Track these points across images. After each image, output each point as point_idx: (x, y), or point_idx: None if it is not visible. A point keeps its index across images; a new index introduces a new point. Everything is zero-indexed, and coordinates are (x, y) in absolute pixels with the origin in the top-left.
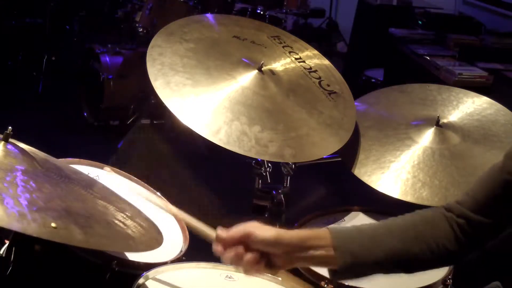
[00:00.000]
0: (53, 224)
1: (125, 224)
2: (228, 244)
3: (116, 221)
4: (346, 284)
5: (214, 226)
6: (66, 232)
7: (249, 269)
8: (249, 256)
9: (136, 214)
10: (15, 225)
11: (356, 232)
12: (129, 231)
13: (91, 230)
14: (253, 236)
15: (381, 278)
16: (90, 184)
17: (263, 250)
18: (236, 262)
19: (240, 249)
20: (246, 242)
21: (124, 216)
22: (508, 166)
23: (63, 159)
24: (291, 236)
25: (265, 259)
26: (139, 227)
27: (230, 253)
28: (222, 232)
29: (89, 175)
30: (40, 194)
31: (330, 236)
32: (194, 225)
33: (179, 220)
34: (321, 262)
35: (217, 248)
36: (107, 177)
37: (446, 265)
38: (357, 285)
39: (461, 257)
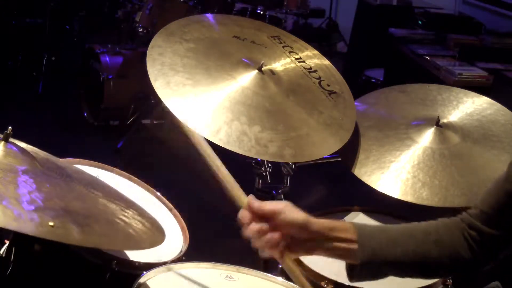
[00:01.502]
0: (50, 223)
1: (126, 222)
2: (256, 214)
3: (117, 220)
4: (347, 284)
5: (214, 226)
6: (64, 231)
7: (266, 248)
8: (271, 235)
9: (138, 212)
10: (12, 225)
11: (379, 231)
12: (130, 229)
13: (89, 228)
14: (283, 215)
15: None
16: (91, 183)
17: (288, 231)
18: (257, 237)
19: (266, 226)
20: (274, 219)
21: (125, 214)
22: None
23: (63, 159)
24: (320, 223)
25: (286, 243)
26: (140, 225)
27: (254, 226)
28: (254, 200)
29: (88, 173)
30: (38, 193)
31: (355, 231)
32: (231, 184)
33: (179, 221)
34: (341, 255)
35: (243, 215)
36: (107, 176)
37: (463, 274)
38: (357, 285)
39: (476, 267)
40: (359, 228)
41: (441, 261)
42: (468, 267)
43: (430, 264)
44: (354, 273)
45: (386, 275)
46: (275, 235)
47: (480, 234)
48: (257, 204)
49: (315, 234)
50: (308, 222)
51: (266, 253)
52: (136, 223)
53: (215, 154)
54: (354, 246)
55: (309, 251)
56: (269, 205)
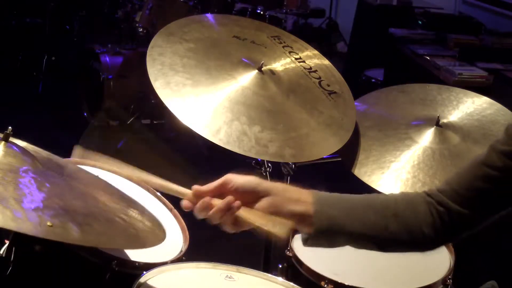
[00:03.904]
0: (48, 223)
1: (126, 221)
2: (208, 195)
3: (117, 218)
4: (347, 284)
5: (214, 226)
6: (62, 230)
7: (222, 217)
8: (216, 206)
9: (139, 210)
10: (11, 225)
11: (337, 199)
12: (130, 228)
13: (89, 228)
14: (232, 183)
15: (381, 278)
16: (93, 182)
17: (241, 198)
18: (204, 213)
19: (207, 199)
20: (225, 190)
21: (126, 213)
22: (490, 159)
23: (63, 159)
24: (271, 183)
25: (239, 206)
26: (141, 224)
27: (198, 205)
28: (198, 186)
29: (89, 172)
30: (38, 193)
31: (312, 196)
32: (168, 186)
33: (179, 221)
34: (297, 219)
35: (184, 204)
36: (107, 177)
37: (420, 250)
38: (357, 285)
39: (435, 244)
40: (317, 194)
41: (400, 235)
42: (427, 244)
43: (388, 237)
44: (309, 238)
45: (342, 245)
46: (222, 202)
47: (448, 211)
48: (203, 187)
49: (266, 193)
50: (259, 182)
51: (227, 225)
52: (136, 222)
53: (138, 170)
54: (310, 210)
55: (265, 213)
56: (216, 182)
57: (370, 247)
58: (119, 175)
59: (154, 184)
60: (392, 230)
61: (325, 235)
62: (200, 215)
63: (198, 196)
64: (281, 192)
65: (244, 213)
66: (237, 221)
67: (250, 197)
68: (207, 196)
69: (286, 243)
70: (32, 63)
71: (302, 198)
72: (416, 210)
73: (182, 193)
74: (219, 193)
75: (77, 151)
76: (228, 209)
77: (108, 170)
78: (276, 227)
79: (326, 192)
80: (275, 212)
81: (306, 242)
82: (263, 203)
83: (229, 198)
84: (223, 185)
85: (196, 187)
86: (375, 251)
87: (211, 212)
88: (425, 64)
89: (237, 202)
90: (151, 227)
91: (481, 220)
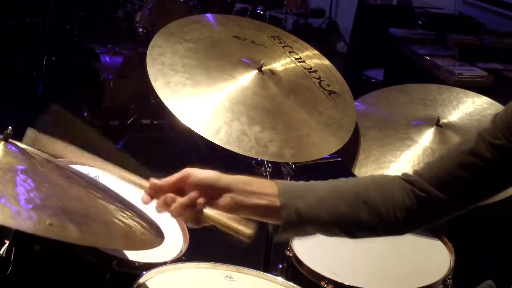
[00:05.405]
0: (48, 221)
1: (124, 223)
2: (162, 191)
3: (115, 220)
4: (347, 284)
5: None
6: (61, 230)
7: (183, 214)
8: (179, 201)
9: (137, 213)
10: (10, 222)
11: (304, 190)
12: (128, 230)
13: (87, 228)
14: (192, 177)
15: (381, 278)
16: (91, 184)
17: (202, 192)
18: (166, 209)
19: (171, 195)
20: (183, 186)
21: (124, 215)
22: (478, 149)
23: (63, 158)
24: (232, 177)
25: (202, 204)
26: (139, 226)
27: (160, 200)
28: (155, 180)
29: (88, 175)
30: (37, 192)
31: (277, 189)
32: (126, 176)
33: (179, 221)
34: (264, 213)
35: (143, 198)
36: (107, 176)
37: (391, 234)
38: (357, 285)
39: (409, 228)
40: (282, 187)
41: (371, 222)
42: (400, 228)
43: (358, 225)
44: (277, 232)
45: (311, 234)
46: (183, 199)
47: (429, 196)
48: (161, 181)
49: (228, 188)
50: (220, 176)
51: (188, 221)
52: (134, 224)
53: (99, 158)
54: (276, 202)
55: (229, 209)
56: (175, 175)
57: (339, 234)
58: (73, 162)
59: (111, 172)
60: (363, 218)
61: (294, 227)
62: (160, 210)
63: (156, 190)
64: (243, 186)
65: (208, 211)
66: (199, 217)
67: (211, 192)
68: (169, 192)
69: (286, 243)
70: (32, 63)
71: (266, 190)
72: (390, 194)
73: (141, 184)
74: (178, 187)
75: (29, 133)
76: (192, 206)
77: (61, 156)
78: (240, 226)
79: (292, 181)
80: (239, 207)
81: (276, 234)
82: (225, 199)
83: (193, 194)
84: (182, 179)
85: (153, 180)
86: (373, 251)
87: (172, 207)
88: (425, 64)
89: (201, 199)
90: (149, 230)
91: (461, 207)
